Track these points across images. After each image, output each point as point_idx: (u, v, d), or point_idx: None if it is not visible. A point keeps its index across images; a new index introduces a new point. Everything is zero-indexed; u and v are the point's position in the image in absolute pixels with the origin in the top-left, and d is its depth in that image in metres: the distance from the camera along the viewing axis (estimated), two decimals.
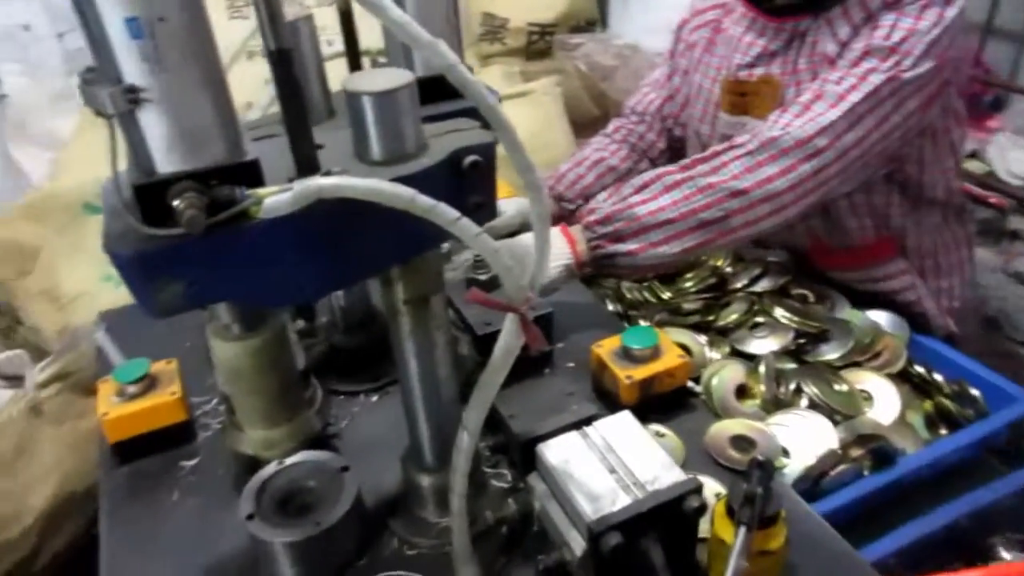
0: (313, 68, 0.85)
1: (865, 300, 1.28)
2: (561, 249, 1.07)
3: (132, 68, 0.50)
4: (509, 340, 0.66)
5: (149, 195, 0.54)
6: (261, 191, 0.55)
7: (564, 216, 1.43)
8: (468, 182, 0.65)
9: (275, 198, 0.55)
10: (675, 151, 1.53)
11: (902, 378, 1.13)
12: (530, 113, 2.08)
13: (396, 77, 0.61)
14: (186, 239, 0.54)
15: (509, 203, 1.24)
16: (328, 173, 0.58)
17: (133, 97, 0.52)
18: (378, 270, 0.66)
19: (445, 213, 0.57)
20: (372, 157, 0.62)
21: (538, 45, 2.89)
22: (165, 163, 0.55)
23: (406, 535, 0.82)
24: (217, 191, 0.54)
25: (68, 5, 0.51)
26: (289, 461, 0.81)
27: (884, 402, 1.04)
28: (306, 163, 0.59)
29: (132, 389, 0.92)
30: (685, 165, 1.09)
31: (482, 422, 0.69)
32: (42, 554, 1.09)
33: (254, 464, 0.82)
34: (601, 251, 1.08)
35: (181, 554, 0.82)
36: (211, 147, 0.56)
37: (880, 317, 1.22)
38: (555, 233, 1.04)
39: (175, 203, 0.53)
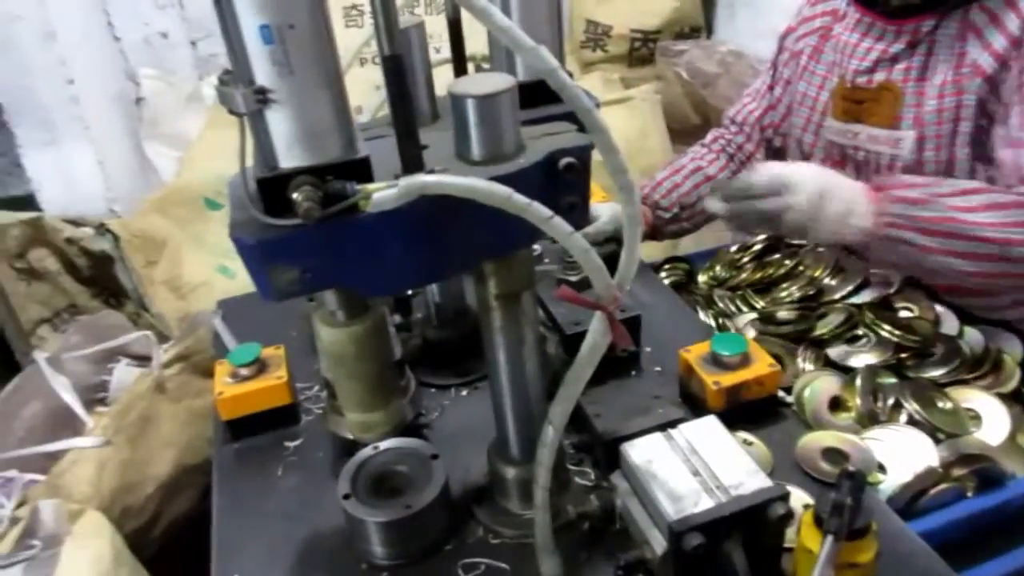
0: (421, 73, 0.89)
1: (975, 319, 1.21)
2: (860, 208, 1.03)
3: (263, 71, 0.55)
4: (596, 338, 0.68)
5: (271, 188, 0.59)
6: (370, 186, 0.59)
7: (658, 226, 1.43)
8: (563, 183, 0.67)
9: (382, 193, 0.58)
10: None
11: (1014, 399, 1.07)
12: (628, 119, 2.09)
13: (498, 81, 0.64)
14: (302, 229, 0.58)
15: (603, 207, 1.25)
16: (432, 171, 0.62)
17: (262, 98, 0.57)
18: (474, 264, 0.69)
19: (539, 212, 0.60)
20: (473, 157, 0.65)
21: (640, 52, 2.88)
22: (287, 159, 0.60)
23: (491, 524, 0.85)
24: (331, 185, 0.59)
25: (203, 14, 0.57)
26: (383, 446, 0.86)
27: (993, 422, 0.99)
28: (412, 162, 0.62)
29: (244, 372, 1.00)
30: (1016, 202, 1.00)
31: (567, 418, 0.71)
32: (160, 521, 1.18)
33: (351, 447, 0.88)
34: (897, 232, 1.03)
35: (283, 526, 0.87)
36: (328, 145, 0.60)
37: (991, 334, 1.15)
38: (859, 189, 1.05)
39: (294, 195, 0.57)
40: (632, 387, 0.94)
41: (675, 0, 2.84)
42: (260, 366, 1.01)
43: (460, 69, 0.88)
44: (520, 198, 0.59)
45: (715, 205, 1.12)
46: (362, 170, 0.61)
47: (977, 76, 1.10)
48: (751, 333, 1.16)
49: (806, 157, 1.37)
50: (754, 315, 1.20)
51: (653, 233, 1.43)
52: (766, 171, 1.08)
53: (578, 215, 0.68)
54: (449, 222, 0.64)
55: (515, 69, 0.79)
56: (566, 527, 0.83)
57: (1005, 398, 1.04)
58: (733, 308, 1.24)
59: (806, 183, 1.04)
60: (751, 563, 0.69)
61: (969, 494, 0.92)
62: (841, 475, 0.69)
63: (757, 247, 1.38)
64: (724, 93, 2.63)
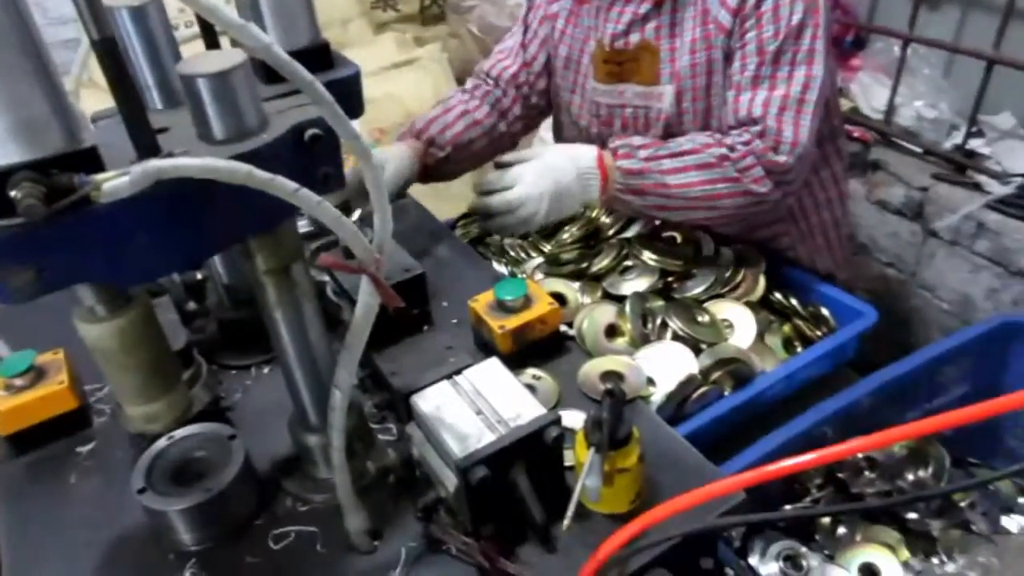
0: (168, 52, 0.86)
1: (730, 240, 1.36)
2: (592, 183, 1.21)
3: None
4: (366, 300, 0.71)
5: None
6: (99, 177, 0.57)
7: (431, 165, 1.43)
8: (313, 155, 0.68)
9: (114, 182, 0.57)
10: (531, 118, 1.55)
11: (763, 305, 1.22)
12: (418, 80, 2.11)
13: (230, 58, 0.64)
14: (30, 227, 0.56)
15: (385, 154, 1.29)
16: (170, 155, 0.61)
17: None
18: (234, 242, 0.69)
19: (284, 185, 0.61)
20: (214, 137, 0.65)
21: (431, 10, 2.89)
22: (1, 155, 0.57)
23: (299, 493, 0.87)
24: (56, 179, 0.57)
25: None
26: (179, 434, 0.85)
27: (743, 328, 1.14)
28: (145, 147, 0.61)
29: (19, 382, 0.94)
30: (722, 156, 1.18)
31: (352, 379, 0.74)
32: None
33: (151, 443, 0.86)
34: (622, 196, 1.22)
35: (83, 534, 0.84)
36: (47, 137, 0.58)
37: (741, 252, 1.31)
38: (589, 166, 1.20)
39: (12, 193, 0.55)
40: (427, 342, 0.98)
41: None
42: (37, 374, 0.95)
43: (212, 44, 0.86)
44: (261, 174, 0.60)
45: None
46: (90, 160, 0.59)
47: (720, 33, 1.21)
48: (539, 276, 1.24)
49: (576, 118, 1.44)
50: (541, 259, 1.28)
51: (426, 172, 1.43)
52: (499, 175, 1.23)
53: (333, 184, 0.70)
54: (200, 203, 0.63)
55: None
56: (373, 484, 0.87)
57: (754, 306, 1.19)
58: (523, 255, 1.31)
59: (536, 178, 1.19)
60: (537, 485, 0.76)
61: (727, 393, 1.05)
62: (603, 395, 0.77)
63: None
64: None
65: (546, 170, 1.19)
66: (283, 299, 0.75)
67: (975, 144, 1.78)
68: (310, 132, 0.67)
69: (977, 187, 1.73)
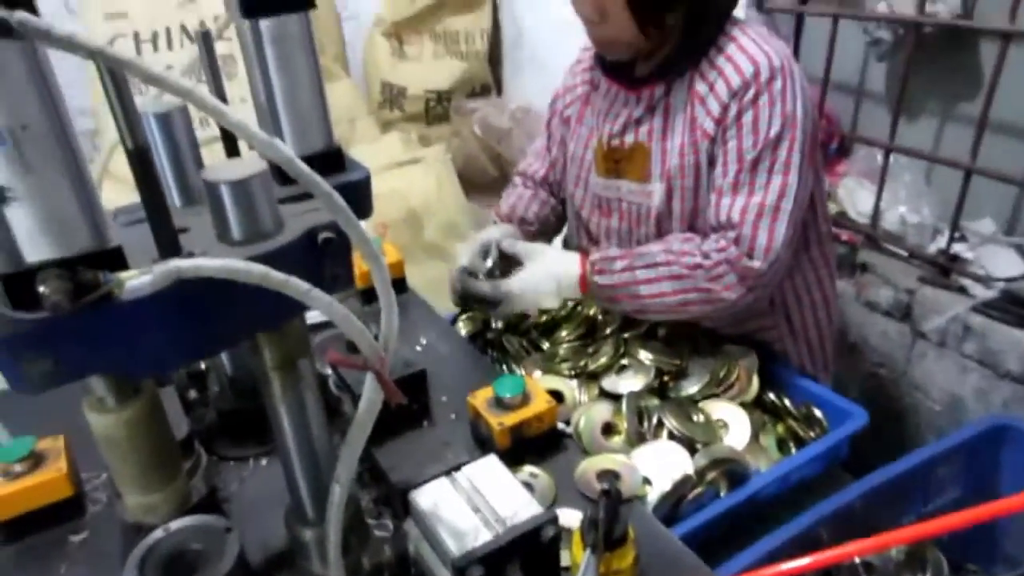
0: (189, 154, 0.91)
1: (726, 339, 1.40)
2: (574, 283, 1.32)
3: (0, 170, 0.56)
4: (370, 396, 0.73)
5: (16, 283, 0.59)
6: (123, 275, 0.60)
7: (528, 237, 1.58)
8: (325, 256, 0.72)
9: (136, 281, 0.60)
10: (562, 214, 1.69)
11: (756, 405, 1.24)
12: (423, 178, 2.19)
13: (250, 165, 0.68)
14: (53, 320, 0.59)
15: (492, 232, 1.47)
16: (190, 255, 0.64)
17: (1, 196, 0.57)
18: (244, 338, 0.72)
19: (297, 286, 0.64)
20: (232, 238, 0.69)
21: (436, 110, 3.02)
22: (32, 253, 0.60)
23: None
24: (82, 275, 0.60)
25: None
26: (174, 526, 0.85)
27: (737, 428, 1.15)
28: (168, 246, 0.65)
29: (18, 468, 0.94)
30: (695, 264, 1.27)
31: (352, 475, 0.75)
32: None
33: (140, 532, 0.85)
34: (602, 304, 1.36)
35: None
36: (76, 237, 0.61)
37: (735, 351, 1.34)
38: (572, 264, 1.33)
39: (40, 289, 0.58)
40: (425, 436, 1.00)
41: (463, 62, 3.00)
42: (36, 460, 0.96)
43: (230, 146, 0.91)
44: (277, 275, 0.63)
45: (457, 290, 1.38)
46: (114, 258, 0.62)
47: (705, 139, 1.29)
48: (537, 373, 1.26)
49: (578, 209, 1.52)
50: (539, 356, 1.30)
51: None
52: (494, 287, 1.34)
53: (342, 284, 0.74)
54: (213, 300, 0.66)
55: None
56: None
57: (747, 406, 1.21)
58: (522, 352, 1.33)
59: (520, 298, 1.32)
60: None
61: (722, 493, 1.06)
62: (599, 494, 0.78)
63: None
64: (517, 145, 2.82)
65: (530, 287, 1.31)
66: (288, 394, 0.77)
67: (959, 248, 1.84)
68: (323, 235, 0.70)
69: (962, 290, 1.77)
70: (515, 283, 1.31)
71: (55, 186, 0.59)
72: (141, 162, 0.62)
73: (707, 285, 1.24)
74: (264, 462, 1.05)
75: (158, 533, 0.84)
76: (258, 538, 0.92)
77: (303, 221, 0.72)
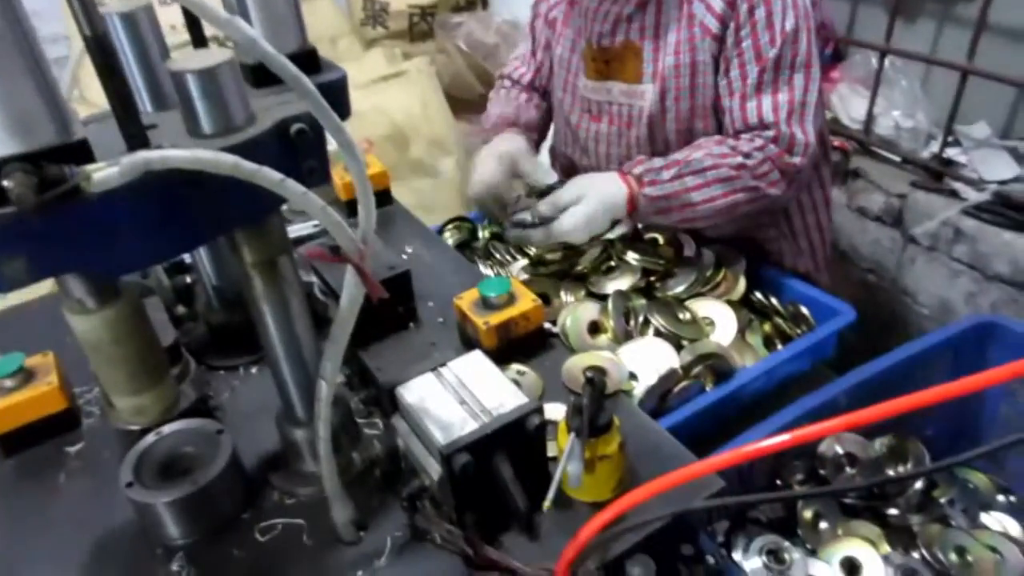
0: (158, 58, 0.89)
1: (709, 240, 1.39)
2: (621, 210, 1.24)
3: None
4: (351, 291, 0.73)
5: None
6: (89, 167, 0.59)
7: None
8: (299, 149, 0.70)
9: (103, 173, 0.59)
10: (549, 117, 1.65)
11: (743, 304, 1.25)
12: (406, 91, 2.14)
13: (217, 55, 0.66)
14: (21, 217, 0.58)
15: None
16: (158, 147, 0.63)
17: None
18: (221, 234, 0.71)
19: (269, 176, 0.63)
20: (202, 132, 0.67)
21: (420, 27, 2.93)
22: None
23: (286, 487, 0.88)
24: (47, 170, 0.58)
25: None
26: (167, 430, 0.86)
27: (724, 326, 1.16)
28: (136, 140, 0.63)
29: (9, 383, 0.95)
30: (740, 165, 1.23)
31: (338, 370, 0.76)
32: None
33: (134, 441, 0.87)
34: (644, 214, 1.26)
35: (71, 532, 0.85)
36: (39, 131, 0.60)
37: (721, 252, 1.33)
38: (617, 187, 1.24)
39: (4, 183, 0.56)
40: (412, 339, 1.00)
41: None
42: (26, 375, 0.97)
43: (196, 35, 0.88)
44: (248, 165, 0.62)
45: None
46: (81, 152, 0.61)
47: (706, 36, 1.24)
48: (524, 277, 1.26)
49: (566, 115, 1.49)
50: (526, 261, 1.30)
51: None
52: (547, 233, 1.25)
53: (318, 178, 0.72)
54: (186, 195, 0.65)
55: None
56: (359, 476, 0.89)
57: (734, 304, 1.21)
58: (508, 257, 1.33)
59: (580, 225, 1.22)
60: (519, 473, 0.78)
61: (708, 388, 1.07)
62: (584, 384, 0.79)
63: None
64: (504, 62, 2.76)
65: (583, 226, 1.23)
66: (270, 292, 0.77)
67: (952, 153, 1.82)
68: (296, 127, 0.69)
69: (954, 194, 1.76)
70: (569, 225, 1.23)
71: (14, 79, 0.57)
72: (101, 51, 0.60)
73: (754, 183, 1.23)
74: (254, 371, 1.06)
75: (151, 438, 0.86)
76: (251, 443, 0.93)
77: (275, 113, 0.70)
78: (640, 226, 1.38)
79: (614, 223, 1.30)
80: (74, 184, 0.59)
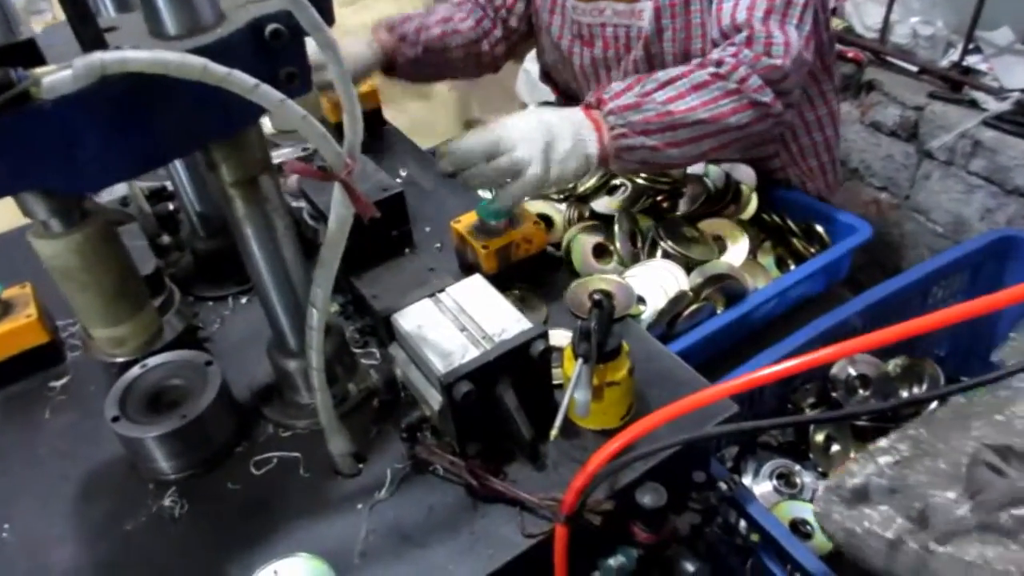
0: None
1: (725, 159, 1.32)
2: (587, 136, 0.98)
3: None
4: (339, 210, 0.67)
5: None
6: (39, 71, 0.53)
7: (399, 61, 1.39)
8: (276, 53, 0.63)
9: (55, 77, 0.53)
10: (512, 44, 1.51)
11: (755, 224, 1.19)
12: (398, 6, 2.02)
13: None
14: None
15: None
16: (118, 48, 0.56)
17: None
18: (194, 148, 0.65)
19: (241, 81, 0.56)
20: (166, 32, 0.60)
21: None
22: None
23: (281, 419, 0.84)
24: None
25: None
26: (152, 362, 0.82)
27: (735, 246, 1.10)
28: (91, 42, 0.57)
29: None
30: (714, 73, 1.05)
31: (329, 298, 0.71)
32: None
33: (120, 374, 0.83)
34: (625, 140, 1.00)
35: (58, 467, 0.82)
36: None
37: (730, 169, 1.27)
38: (579, 119, 0.99)
39: None
40: (408, 265, 0.95)
41: None
42: (4, 308, 0.92)
43: None
44: (218, 68, 0.55)
45: (448, 168, 0.97)
46: (28, 53, 0.54)
47: None
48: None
49: (556, 39, 1.38)
50: None
51: (393, 68, 1.40)
52: (482, 135, 0.96)
53: (299, 85, 0.66)
54: (151, 104, 0.59)
55: None
56: (357, 407, 0.85)
57: (744, 224, 1.16)
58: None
59: (525, 135, 0.95)
60: (524, 402, 0.74)
61: (719, 310, 1.02)
62: (591, 307, 0.74)
63: None
64: None
65: (534, 123, 0.96)
66: (252, 213, 0.71)
67: (972, 61, 1.73)
68: (271, 27, 0.62)
69: (974, 104, 1.68)
70: (513, 127, 0.95)
71: None
72: None
73: (736, 86, 1.04)
74: (244, 300, 1.02)
75: (136, 370, 0.82)
76: (243, 375, 0.89)
77: (248, 12, 0.63)
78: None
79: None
80: (22, 89, 0.52)
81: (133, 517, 0.77)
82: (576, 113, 1.01)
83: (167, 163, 0.94)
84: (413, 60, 1.39)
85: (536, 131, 0.96)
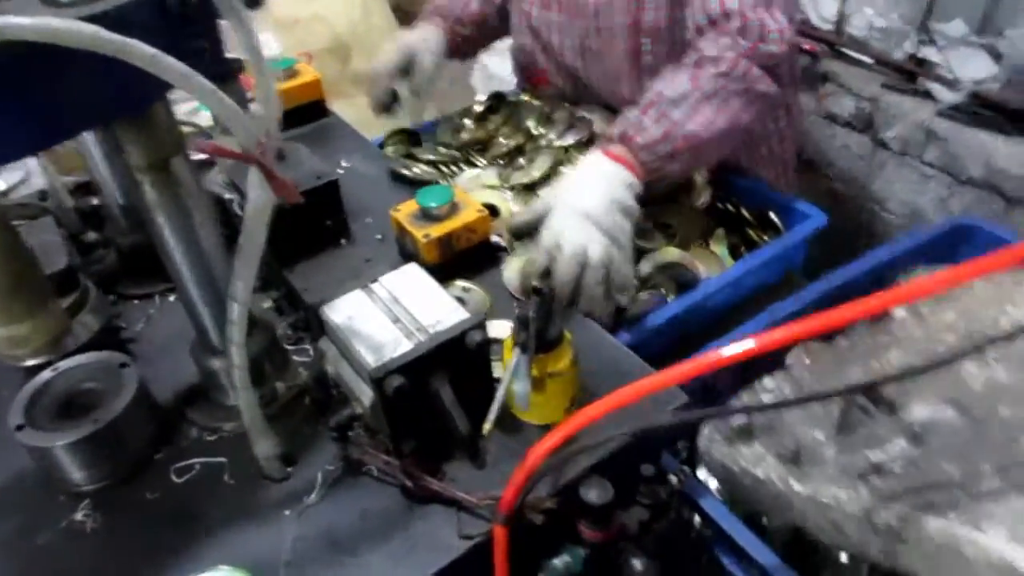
0: None
1: None
2: (626, 179, 0.96)
3: None
4: (256, 194, 0.62)
5: None
6: None
7: (459, 44, 1.43)
8: (182, 26, 0.59)
9: None
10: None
11: (708, 214, 1.16)
12: (348, 1, 1.97)
13: None
14: None
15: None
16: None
17: None
18: (89, 126, 0.60)
19: (138, 50, 0.52)
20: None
21: None
22: None
23: (206, 422, 0.79)
24: None
25: None
26: (64, 366, 0.76)
27: (686, 234, 1.07)
28: None
29: None
30: (717, 75, 1.05)
31: (251, 290, 0.66)
32: None
33: (30, 377, 0.77)
34: (658, 173, 1.01)
35: None
36: None
37: None
38: (610, 170, 0.96)
39: None
40: (344, 256, 0.91)
41: None
42: None
43: None
44: (111, 37, 0.51)
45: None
46: None
47: None
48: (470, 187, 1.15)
49: (534, 27, 1.34)
50: (475, 172, 1.20)
51: (456, 50, 1.44)
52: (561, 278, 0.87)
53: (208, 62, 0.61)
54: (43, 77, 0.54)
55: None
56: (287, 408, 0.80)
57: (697, 212, 1.13)
58: (455, 169, 1.22)
59: (578, 236, 0.88)
60: (461, 396, 0.70)
61: (670, 297, 0.99)
62: (531, 293, 0.70)
63: (478, 108, 1.37)
64: None
65: (571, 211, 0.90)
66: (164, 200, 0.66)
67: (927, 52, 1.72)
68: None
69: (928, 95, 1.67)
70: (554, 224, 0.89)
71: None
72: None
73: (742, 87, 1.06)
74: (172, 298, 0.96)
75: (47, 374, 0.76)
76: (169, 376, 0.84)
77: None
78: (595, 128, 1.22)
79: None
80: None
81: (46, 531, 0.71)
82: (603, 163, 0.98)
83: (61, 141, 0.87)
84: (467, 38, 1.44)
85: (581, 226, 0.90)
